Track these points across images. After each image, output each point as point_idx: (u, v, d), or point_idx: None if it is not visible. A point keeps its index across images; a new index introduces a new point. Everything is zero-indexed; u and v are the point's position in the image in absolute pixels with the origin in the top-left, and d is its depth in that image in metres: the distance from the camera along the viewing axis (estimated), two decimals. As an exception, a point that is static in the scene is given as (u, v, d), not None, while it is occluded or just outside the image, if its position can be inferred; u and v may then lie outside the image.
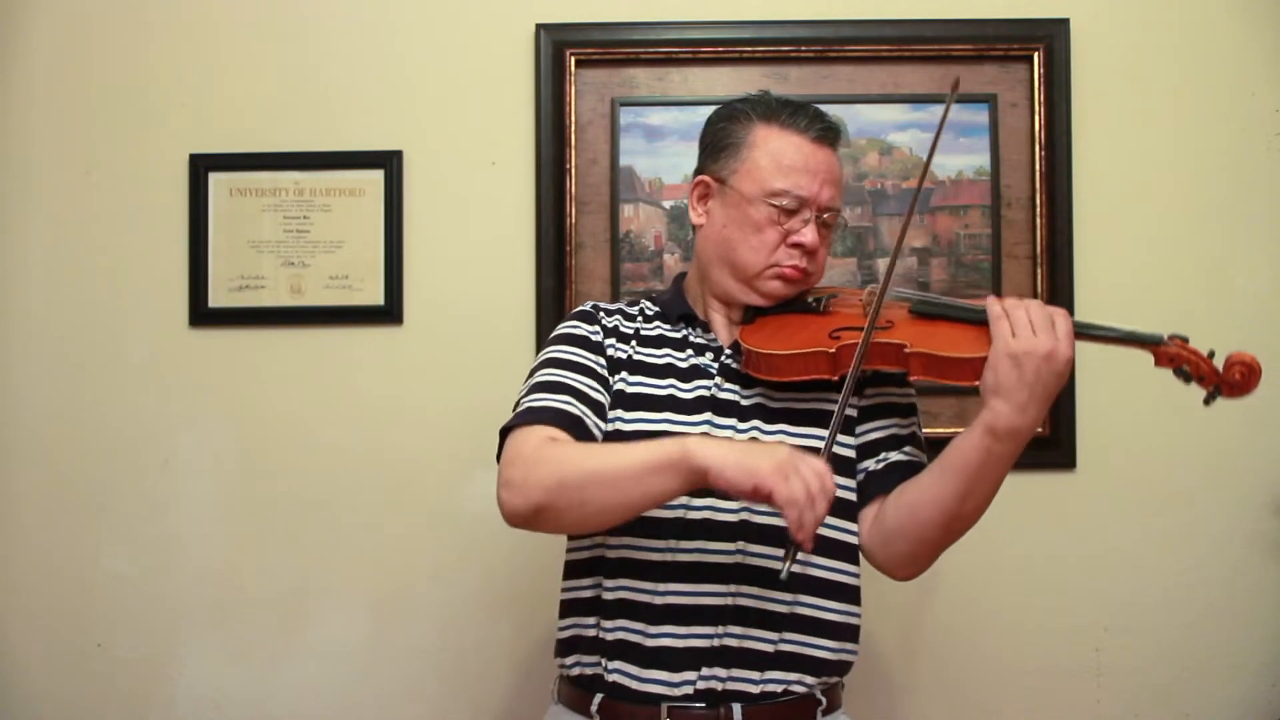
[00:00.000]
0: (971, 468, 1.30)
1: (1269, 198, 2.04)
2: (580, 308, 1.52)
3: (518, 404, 1.39)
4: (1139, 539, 2.02)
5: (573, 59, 2.02)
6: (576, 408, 1.36)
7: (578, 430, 1.34)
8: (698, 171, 1.49)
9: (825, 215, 1.42)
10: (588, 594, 1.41)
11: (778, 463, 1.18)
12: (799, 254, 1.41)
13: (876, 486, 1.43)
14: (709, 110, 1.98)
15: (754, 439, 1.39)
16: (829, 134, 1.44)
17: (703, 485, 1.22)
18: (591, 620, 1.40)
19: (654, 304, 1.53)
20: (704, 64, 2.04)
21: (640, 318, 1.51)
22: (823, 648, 1.39)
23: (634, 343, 1.47)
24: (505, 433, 1.36)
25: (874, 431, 1.45)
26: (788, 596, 1.36)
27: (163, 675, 2.03)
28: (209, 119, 2.05)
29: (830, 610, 1.40)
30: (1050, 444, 2.00)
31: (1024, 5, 2.03)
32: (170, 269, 2.05)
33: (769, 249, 1.41)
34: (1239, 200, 2.04)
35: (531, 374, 1.43)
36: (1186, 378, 1.29)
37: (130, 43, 2.06)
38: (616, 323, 1.49)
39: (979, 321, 1.33)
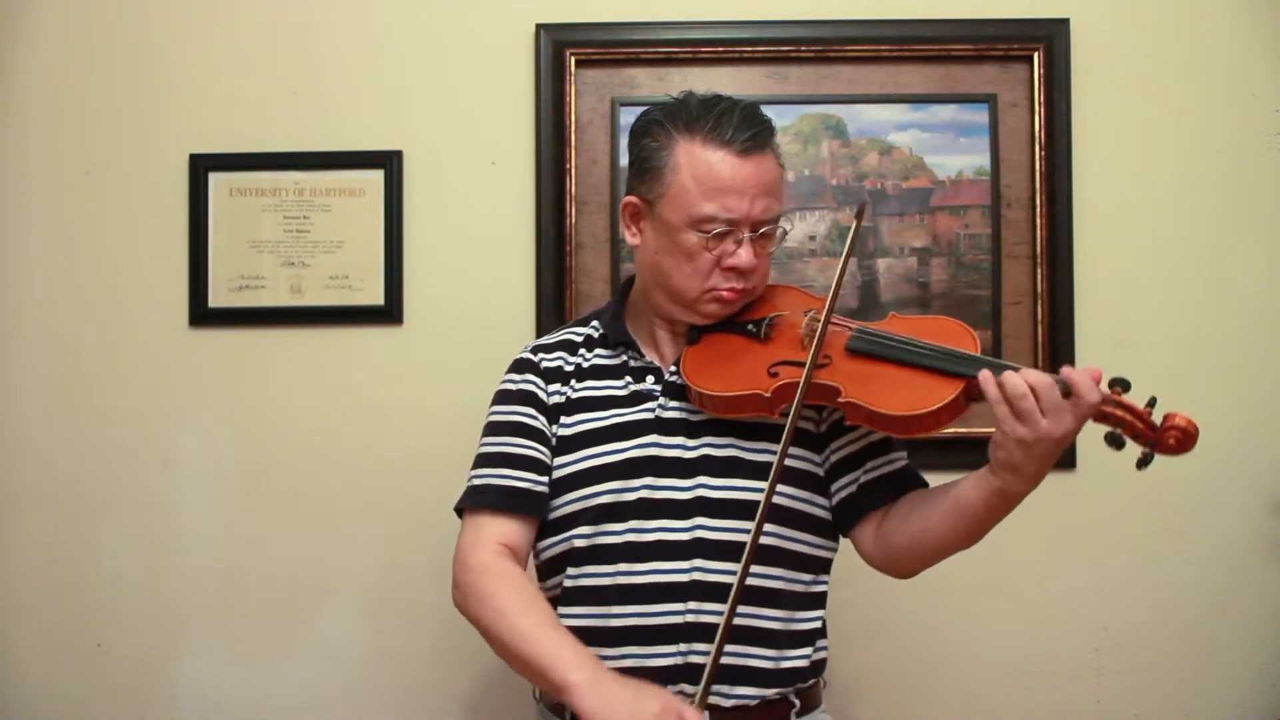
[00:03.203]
0: (981, 517, 1.29)
1: (1268, 198, 2.04)
2: (519, 354, 1.50)
3: (474, 466, 1.45)
4: (1139, 539, 2.02)
5: (573, 59, 2.02)
6: (516, 480, 1.40)
7: (517, 503, 1.39)
8: (628, 189, 1.42)
9: (762, 230, 1.35)
10: None
11: None
12: (735, 276, 1.36)
13: (871, 500, 1.39)
14: (709, 110, 2.02)
15: (706, 456, 1.37)
16: (758, 141, 1.34)
17: None
18: None
19: (600, 324, 1.50)
20: (704, 64, 2.04)
21: (584, 346, 1.48)
22: (796, 657, 1.38)
23: (573, 381, 1.45)
24: (460, 510, 1.43)
25: (850, 444, 1.41)
26: (747, 609, 1.34)
27: (163, 675, 2.03)
28: (209, 119, 2.06)
29: (802, 620, 1.39)
30: (1050, 444, 2.00)
31: (1024, 5, 2.03)
32: (170, 269, 2.05)
33: (703, 275, 1.36)
34: (1239, 200, 2.04)
35: (481, 438, 1.46)
36: (1119, 442, 1.21)
37: (130, 43, 2.06)
38: (559, 361, 1.47)
39: (926, 366, 1.27)
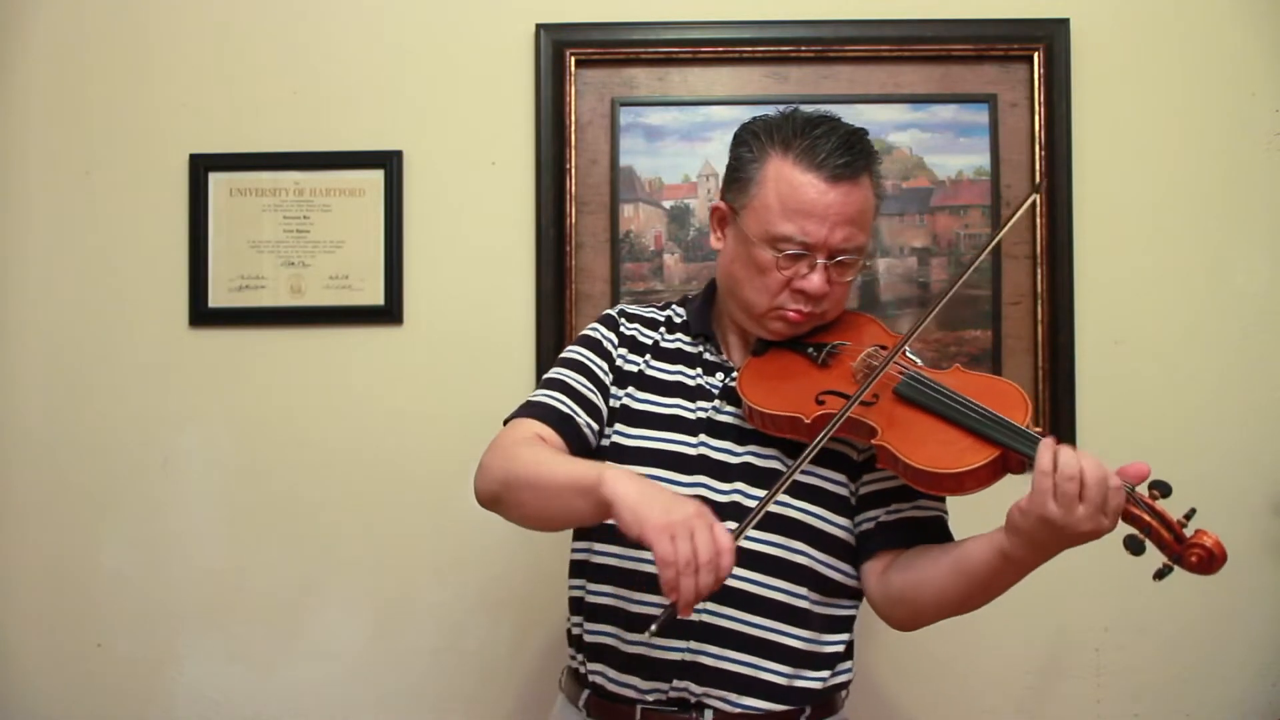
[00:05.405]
0: (980, 578, 1.26)
1: (1268, 197, 2.04)
2: (607, 311, 1.53)
3: (538, 387, 1.46)
4: (1139, 539, 2.02)
5: (573, 59, 2.02)
6: (568, 406, 1.40)
7: (565, 427, 1.38)
8: (721, 194, 1.44)
9: (840, 257, 1.35)
10: (577, 594, 1.44)
11: (670, 520, 1.12)
12: (804, 299, 1.36)
13: (885, 540, 1.37)
14: (709, 110, 2.03)
15: (748, 464, 1.37)
16: (850, 169, 1.33)
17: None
18: (578, 619, 1.43)
19: (684, 311, 1.52)
20: (704, 64, 2.04)
21: (664, 327, 1.50)
22: (811, 678, 1.38)
23: (649, 355, 1.46)
24: (506, 422, 1.41)
25: (882, 481, 1.38)
26: (768, 623, 1.35)
27: (163, 675, 2.03)
28: (209, 119, 2.05)
29: (826, 643, 1.39)
30: (1050, 444, 2.00)
31: (1024, 5, 2.03)
32: (170, 269, 2.05)
33: (772, 292, 1.36)
34: (1238, 199, 2.04)
35: (552, 367, 1.48)
36: (1138, 548, 1.17)
37: (130, 43, 2.06)
38: (635, 331, 1.49)
39: (968, 427, 1.25)
